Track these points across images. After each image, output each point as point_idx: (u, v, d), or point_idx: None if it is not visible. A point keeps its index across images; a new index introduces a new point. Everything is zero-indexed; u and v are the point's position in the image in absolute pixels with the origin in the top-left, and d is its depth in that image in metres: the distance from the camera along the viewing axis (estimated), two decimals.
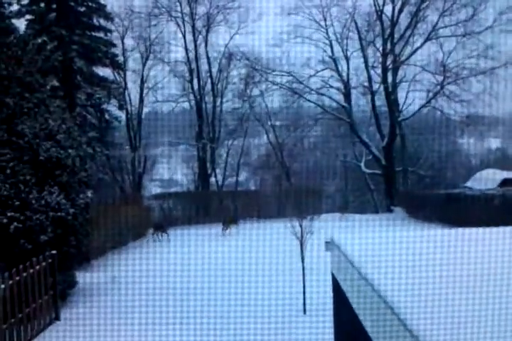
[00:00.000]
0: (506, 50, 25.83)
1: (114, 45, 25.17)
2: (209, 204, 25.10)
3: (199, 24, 29.90)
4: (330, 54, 30.37)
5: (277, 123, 32.98)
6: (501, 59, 26.38)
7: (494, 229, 6.29)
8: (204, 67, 30.42)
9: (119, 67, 26.25)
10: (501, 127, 33.07)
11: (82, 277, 11.72)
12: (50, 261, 9.16)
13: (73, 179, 10.85)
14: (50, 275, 9.21)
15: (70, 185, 10.71)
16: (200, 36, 30.03)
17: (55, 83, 14.92)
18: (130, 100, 28.97)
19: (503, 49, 25.99)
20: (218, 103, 30.82)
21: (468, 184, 24.46)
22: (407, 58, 29.25)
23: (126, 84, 28.64)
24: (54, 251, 9.36)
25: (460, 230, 6.34)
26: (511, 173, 23.17)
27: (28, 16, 22.21)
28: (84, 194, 11.23)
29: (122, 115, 26.96)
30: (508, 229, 6.07)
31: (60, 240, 10.02)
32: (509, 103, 26.66)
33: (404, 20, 29.08)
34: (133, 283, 10.52)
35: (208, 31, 29.91)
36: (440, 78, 29.04)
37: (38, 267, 8.62)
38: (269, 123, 32.38)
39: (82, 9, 22.95)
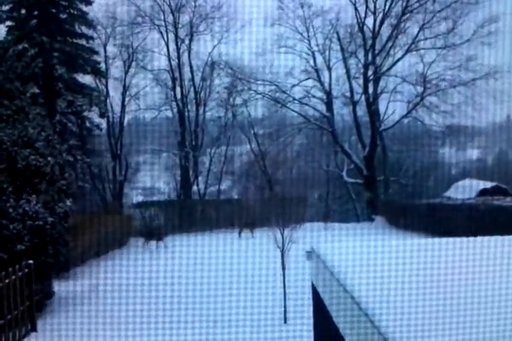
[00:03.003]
0: (485, 62, 26.44)
1: (96, 53, 25.00)
2: (191, 213, 24.95)
3: (182, 33, 29.96)
4: (312, 64, 30.65)
5: (260, 131, 33.06)
6: (481, 71, 26.94)
7: (472, 239, 6.37)
8: (187, 75, 30.44)
9: (101, 74, 26.06)
10: (481, 138, 33.73)
11: (61, 287, 11.53)
12: (26, 270, 8.98)
13: (52, 187, 10.70)
14: (27, 286, 9.03)
15: (49, 194, 10.55)
16: (184, 45, 30.07)
17: (36, 90, 14.76)
18: (112, 108, 28.78)
19: (483, 61, 26.58)
20: (201, 111, 30.81)
21: (448, 193, 24.78)
22: (388, 69, 29.65)
23: (107, 91, 28.45)
24: (31, 261, 9.18)
25: (437, 240, 6.41)
26: (489, 183, 23.54)
27: (8, 23, 21.96)
28: (64, 202, 11.08)
29: (103, 123, 26.73)
30: (485, 238, 6.16)
31: (37, 249, 9.85)
32: (489, 114, 27.22)
33: (385, 32, 29.53)
34: (112, 293, 10.37)
35: (191, 40, 29.96)
36: (420, 89, 29.49)
37: (13, 277, 8.44)
38: (252, 131, 32.45)
39: (64, 16, 22.76)
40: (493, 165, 37.01)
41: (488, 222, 14.94)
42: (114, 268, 12.30)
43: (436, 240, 6.62)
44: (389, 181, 31.06)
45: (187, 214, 24.65)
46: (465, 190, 23.31)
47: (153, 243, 18.76)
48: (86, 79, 24.69)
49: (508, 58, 23.55)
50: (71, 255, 12.67)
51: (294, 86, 30.44)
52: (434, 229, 18.20)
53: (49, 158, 10.54)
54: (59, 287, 11.40)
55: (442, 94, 29.17)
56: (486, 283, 4.40)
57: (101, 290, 10.57)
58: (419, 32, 28.63)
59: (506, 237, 6.03)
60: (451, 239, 6.32)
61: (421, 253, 5.21)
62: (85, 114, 23.24)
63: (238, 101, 30.97)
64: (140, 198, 32.03)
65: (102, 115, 24.65)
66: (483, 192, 22.23)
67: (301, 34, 29.90)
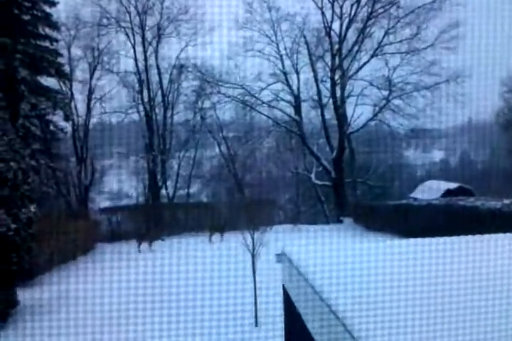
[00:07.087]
0: (448, 67, 27.21)
1: (61, 55, 24.45)
2: (160, 217, 24.66)
3: (149, 35, 29.64)
4: (281, 68, 30.86)
5: (229, 134, 33.02)
6: (443, 75, 27.72)
7: (441, 239, 6.51)
8: (154, 78, 30.12)
9: (65, 76, 25.49)
10: (444, 140, 34.64)
11: (25, 295, 11.19)
12: None
13: (15, 193, 10.39)
14: None
15: (12, 200, 10.24)
16: (151, 47, 29.75)
17: None
18: (77, 111, 28.15)
19: (445, 65, 27.36)
20: (169, 114, 30.52)
21: (414, 195, 25.30)
22: (355, 73, 30.12)
23: (72, 94, 27.86)
24: None
25: (404, 241, 6.52)
26: (453, 184, 24.15)
27: None
28: (27, 208, 10.77)
29: (68, 126, 26.17)
30: (449, 239, 6.30)
31: (0, 257, 9.54)
32: (451, 117, 27.98)
33: (351, 36, 30.00)
34: (79, 300, 10.14)
35: (158, 42, 29.68)
36: (386, 93, 30.11)
37: None
38: (220, 135, 32.38)
39: (27, 17, 22.18)
40: (457, 166, 38.05)
41: (453, 222, 15.32)
42: (81, 275, 12.03)
43: (404, 241, 6.74)
44: (357, 183, 31.50)
45: (156, 218, 24.35)
46: (430, 190, 23.84)
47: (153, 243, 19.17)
48: (50, 81, 24.09)
49: (469, 62, 24.27)
50: (36, 262, 12.33)
51: (262, 89, 30.57)
52: (400, 230, 18.55)
53: (11, 163, 10.23)
54: (24, 295, 11.06)
55: (407, 97, 29.87)
56: (451, 281, 4.50)
57: (68, 298, 10.31)
58: (384, 37, 29.24)
59: (470, 237, 6.19)
60: (418, 240, 6.44)
61: (388, 255, 5.29)
62: (49, 117, 22.70)
63: (207, 104, 30.89)
64: (107, 203, 31.47)
65: (66, 118, 24.11)
66: (448, 193, 22.78)
67: (269, 38, 30.10)
